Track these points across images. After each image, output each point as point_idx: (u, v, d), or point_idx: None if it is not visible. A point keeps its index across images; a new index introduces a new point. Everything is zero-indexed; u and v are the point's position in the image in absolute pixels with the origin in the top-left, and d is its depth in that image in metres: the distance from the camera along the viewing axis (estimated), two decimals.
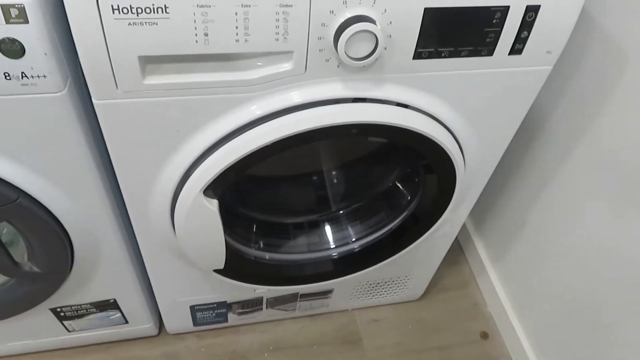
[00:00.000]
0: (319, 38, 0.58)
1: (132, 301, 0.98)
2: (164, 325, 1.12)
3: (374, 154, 0.94)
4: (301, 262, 0.97)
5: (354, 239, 0.97)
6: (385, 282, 1.14)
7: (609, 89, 0.81)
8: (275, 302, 1.10)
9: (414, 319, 1.22)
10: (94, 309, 0.97)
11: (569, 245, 0.95)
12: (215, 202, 0.71)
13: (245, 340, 1.15)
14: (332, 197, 1.00)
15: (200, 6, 0.52)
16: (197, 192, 0.68)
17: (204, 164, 0.67)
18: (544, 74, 0.70)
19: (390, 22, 0.58)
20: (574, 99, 0.89)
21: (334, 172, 0.99)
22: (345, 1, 0.55)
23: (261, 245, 0.94)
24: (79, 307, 0.95)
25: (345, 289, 1.13)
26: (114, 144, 0.65)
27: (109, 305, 0.97)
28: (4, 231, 0.82)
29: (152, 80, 0.58)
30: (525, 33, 0.63)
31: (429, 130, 0.70)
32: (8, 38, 0.51)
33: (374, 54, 0.58)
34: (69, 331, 1.03)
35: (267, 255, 0.94)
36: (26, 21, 0.50)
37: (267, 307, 1.11)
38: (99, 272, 0.87)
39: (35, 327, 0.99)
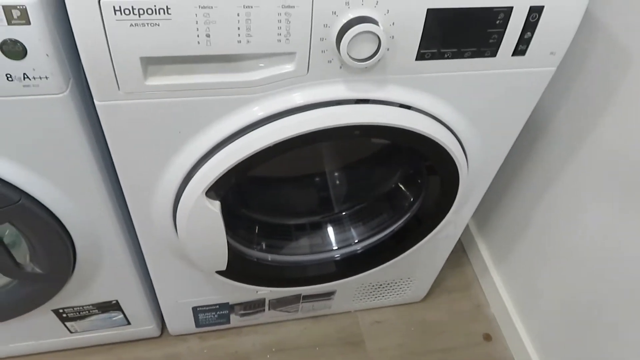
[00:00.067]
0: (322, 39, 0.58)
1: (134, 302, 0.98)
2: (166, 327, 1.12)
3: (377, 155, 0.93)
4: (303, 264, 0.96)
5: (356, 241, 0.97)
6: (388, 284, 1.14)
7: (613, 89, 0.80)
8: (277, 303, 1.10)
9: (417, 321, 1.22)
10: (96, 310, 0.97)
11: (572, 246, 0.95)
12: (217, 203, 0.71)
13: (248, 342, 1.15)
14: (335, 198, 1.00)
15: (202, 7, 0.52)
16: (199, 194, 0.68)
17: (206, 165, 0.66)
18: (548, 75, 0.69)
19: (393, 23, 0.58)
20: (578, 100, 0.88)
21: (336, 174, 0.98)
22: (348, 2, 0.55)
23: (263, 246, 0.94)
24: (81, 308, 0.95)
25: (348, 291, 1.12)
26: (116, 145, 0.65)
27: (111, 306, 0.97)
28: (6, 232, 0.83)
29: (154, 81, 0.58)
30: (529, 34, 0.62)
31: (432, 132, 0.70)
32: (10, 39, 0.51)
33: (377, 55, 0.58)
34: (71, 332, 1.03)
35: (270, 257, 0.94)
36: (28, 22, 0.50)
37: (269, 309, 1.11)
38: (101, 273, 0.87)
39: (38, 329, 0.99)
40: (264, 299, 1.07)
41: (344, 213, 0.99)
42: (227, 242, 0.77)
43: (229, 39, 0.55)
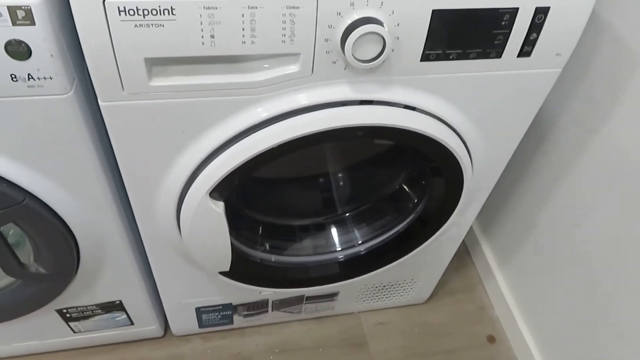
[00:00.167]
0: (326, 40, 0.57)
1: (137, 303, 0.98)
2: (169, 327, 1.12)
3: (381, 156, 0.93)
4: (307, 265, 0.96)
5: (360, 242, 0.97)
6: (392, 285, 1.13)
7: (619, 90, 0.80)
8: (281, 304, 1.10)
9: (420, 322, 1.22)
10: (100, 310, 0.97)
11: (577, 248, 0.94)
12: (221, 204, 0.71)
13: (251, 343, 1.15)
14: (339, 199, 0.99)
15: (206, 8, 0.52)
16: (203, 194, 0.68)
17: (210, 166, 0.66)
18: (553, 76, 0.69)
19: (398, 24, 0.58)
20: (583, 101, 0.88)
21: (340, 175, 0.98)
22: (353, 3, 0.55)
23: (267, 247, 0.94)
24: (84, 308, 0.96)
25: (351, 292, 1.12)
26: (120, 145, 0.65)
27: (115, 306, 0.97)
28: (10, 232, 0.83)
29: (159, 82, 0.58)
30: (535, 35, 0.62)
31: (437, 133, 0.69)
32: (15, 40, 0.51)
33: (382, 56, 0.58)
34: (74, 332, 1.03)
35: (273, 258, 0.94)
36: (33, 23, 0.50)
37: (272, 310, 1.11)
38: (105, 273, 0.87)
39: (41, 328, 0.99)
40: (267, 300, 1.07)
41: (347, 214, 0.99)
42: (231, 242, 0.77)
43: (234, 39, 0.55)
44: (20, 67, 0.53)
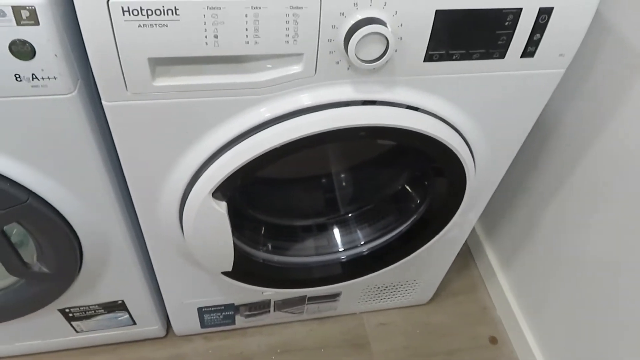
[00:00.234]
0: (329, 40, 0.57)
1: (140, 303, 0.98)
2: (171, 327, 1.12)
3: (384, 156, 0.93)
4: (309, 265, 0.96)
5: (362, 242, 0.97)
6: (394, 286, 1.13)
7: (623, 91, 0.80)
8: (283, 304, 1.10)
9: (423, 323, 1.22)
10: (102, 310, 0.98)
11: (580, 250, 0.94)
12: (223, 204, 0.71)
13: (253, 343, 1.15)
14: (341, 199, 0.99)
15: (210, 8, 0.52)
16: (205, 194, 0.68)
17: (212, 166, 0.66)
18: (557, 76, 0.69)
19: (401, 25, 0.58)
20: (587, 102, 0.88)
21: (342, 175, 0.98)
22: (356, 3, 0.55)
23: (269, 247, 0.94)
24: (87, 308, 0.96)
25: (354, 292, 1.12)
26: (123, 145, 0.65)
27: (117, 306, 0.98)
28: (14, 232, 0.83)
29: (162, 82, 0.58)
30: (538, 35, 0.62)
31: (440, 133, 0.69)
32: (19, 40, 0.51)
33: (385, 57, 0.58)
34: (77, 332, 1.03)
35: (275, 258, 0.94)
36: (37, 23, 0.50)
37: (274, 310, 1.11)
38: (108, 273, 0.88)
39: (44, 328, 0.99)
40: (270, 300, 1.07)
41: (350, 215, 0.99)
42: (233, 242, 0.77)
43: (237, 39, 0.55)
44: (24, 67, 0.53)
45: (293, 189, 0.98)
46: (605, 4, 0.80)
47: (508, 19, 0.60)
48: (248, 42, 0.55)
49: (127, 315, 1.01)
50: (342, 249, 0.97)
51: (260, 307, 1.09)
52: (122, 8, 0.50)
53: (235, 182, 0.68)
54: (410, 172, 0.94)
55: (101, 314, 0.99)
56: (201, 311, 1.06)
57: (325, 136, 0.65)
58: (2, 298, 0.85)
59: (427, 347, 1.17)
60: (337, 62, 0.60)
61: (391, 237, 0.95)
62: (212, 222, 0.72)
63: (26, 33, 0.51)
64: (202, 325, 1.11)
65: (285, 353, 1.14)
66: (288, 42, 0.56)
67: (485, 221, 1.30)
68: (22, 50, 0.52)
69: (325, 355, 1.14)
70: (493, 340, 1.19)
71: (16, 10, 0.49)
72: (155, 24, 0.52)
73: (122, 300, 0.97)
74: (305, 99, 0.63)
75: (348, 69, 0.61)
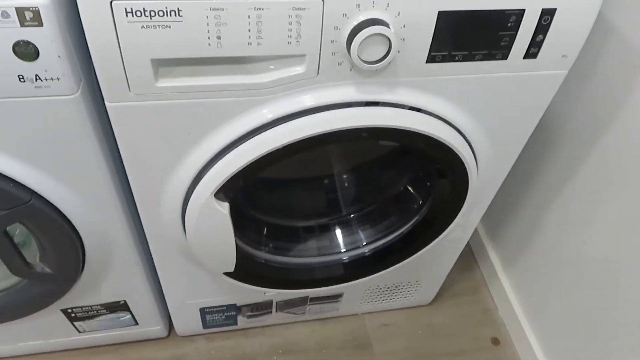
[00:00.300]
0: (332, 41, 0.57)
1: (142, 303, 0.99)
2: (173, 327, 1.12)
3: (386, 157, 0.93)
4: (311, 266, 0.96)
5: (364, 243, 0.97)
6: (396, 287, 1.13)
7: (626, 92, 0.79)
8: (285, 305, 1.10)
9: (425, 324, 1.22)
10: (105, 310, 0.98)
11: (582, 251, 0.94)
12: (226, 204, 0.71)
13: (255, 343, 1.15)
14: (343, 200, 0.99)
15: (213, 9, 0.52)
16: (208, 195, 0.68)
17: (215, 166, 0.66)
18: (559, 78, 0.69)
19: (404, 26, 0.58)
20: (590, 103, 0.88)
21: (345, 176, 0.98)
22: (359, 4, 0.55)
23: (271, 248, 0.94)
24: (89, 308, 0.96)
25: (356, 293, 1.12)
26: (126, 146, 0.65)
27: (120, 306, 0.98)
28: (17, 232, 0.83)
29: (165, 82, 0.58)
30: (541, 37, 0.62)
31: (442, 134, 0.69)
32: (22, 41, 0.51)
33: (387, 58, 0.58)
34: (79, 332, 1.04)
35: (278, 259, 0.94)
36: (40, 24, 0.51)
37: (276, 311, 1.11)
38: (110, 273, 0.88)
39: (46, 328, 1.00)
40: (272, 301, 1.07)
41: (352, 215, 0.99)
42: (236, 243, 0.77)
43: (240, 41, 0.55)
44: (28, 68, 0.54)
45: (295, 190, 0.98)
46: (608, 5, 0.80)
47: (511, 20, 0.60)
48: (251, 43, 0.56)
49: (129, 316, 1.02)
50: (344, 250, 0.97)
51: (263, 308, 1.09)
52: (125, 9, 0.50)
53: (237, 183, 0.68)
54: (412, 173, 0.94)
55: (103, 314, 0.99)
56: (203, 311, 1.06)
57: (327, 137, 0.65)
58: (5, 298, 0.86)
59: (429, 348, 1.17)
60: (340, 63, 0.60)
61: (393, 238, 0.95)
62: (215, 222, 0.72)
63: (30, 34, 0.51)
64: (204, 325, 1.11)
65: (287, 354, 1.14)
66: (291, 43, 0.56)
67: (487, 222, 1.30)
68: (26, 51, 0.52)
69: (327, 356, 1.14)
70: (495, 342, 1.19)
71: (20, 11, 0.49)
72: (158, 25, 0.52)
73: (125, 301, 0.97)
74: (308, 100, 0.63)
75: (350, 70, 0.61)
